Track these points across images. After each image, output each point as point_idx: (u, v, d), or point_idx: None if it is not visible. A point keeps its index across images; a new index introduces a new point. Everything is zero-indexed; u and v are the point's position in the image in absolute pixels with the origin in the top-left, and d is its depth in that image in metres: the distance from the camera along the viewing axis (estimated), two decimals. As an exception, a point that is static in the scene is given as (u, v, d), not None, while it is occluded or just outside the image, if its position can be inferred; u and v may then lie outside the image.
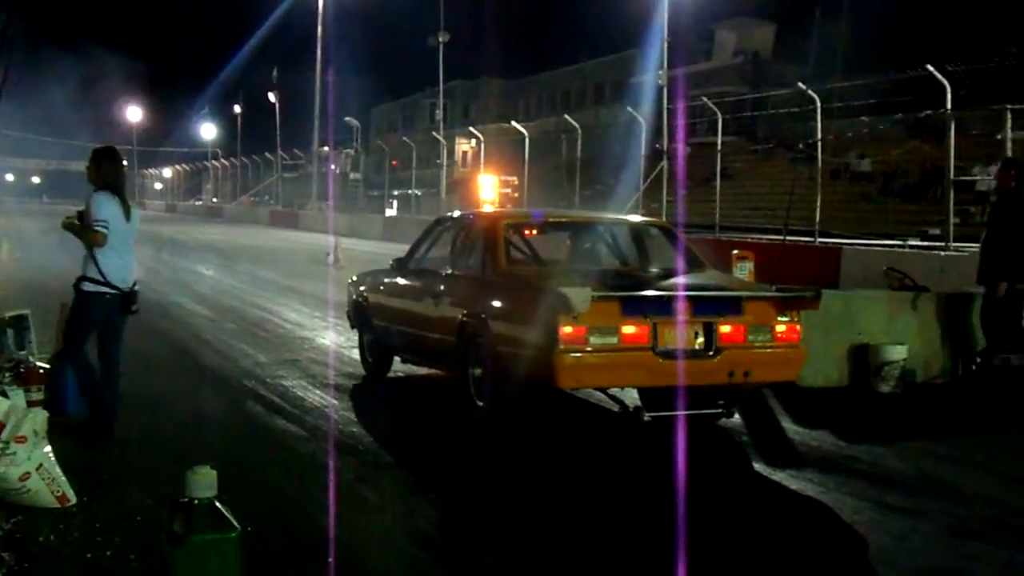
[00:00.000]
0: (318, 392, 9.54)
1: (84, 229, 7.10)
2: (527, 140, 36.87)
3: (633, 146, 33.37)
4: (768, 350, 7.60)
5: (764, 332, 7.60)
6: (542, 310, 7.21)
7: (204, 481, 3.78)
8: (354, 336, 11.30)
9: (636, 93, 41.77)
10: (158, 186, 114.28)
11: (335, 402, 9.12)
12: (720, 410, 7.93)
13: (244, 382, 10.01)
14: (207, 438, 7.50)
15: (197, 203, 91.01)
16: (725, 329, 7.45)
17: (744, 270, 13.45)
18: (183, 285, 20.46)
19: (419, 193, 52.03)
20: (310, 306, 16.91)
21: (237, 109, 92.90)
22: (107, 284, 7.18)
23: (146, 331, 13.33)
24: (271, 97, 74.63)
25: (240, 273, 23.78)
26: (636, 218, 10.31)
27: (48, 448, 5.67)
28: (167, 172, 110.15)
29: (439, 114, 54.74)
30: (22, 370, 6.86)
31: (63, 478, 5.67)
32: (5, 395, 6.13)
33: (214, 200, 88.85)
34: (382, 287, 10.34)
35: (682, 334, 7.30)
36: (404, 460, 7.20)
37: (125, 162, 7.60)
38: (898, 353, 10.18)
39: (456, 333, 8.32)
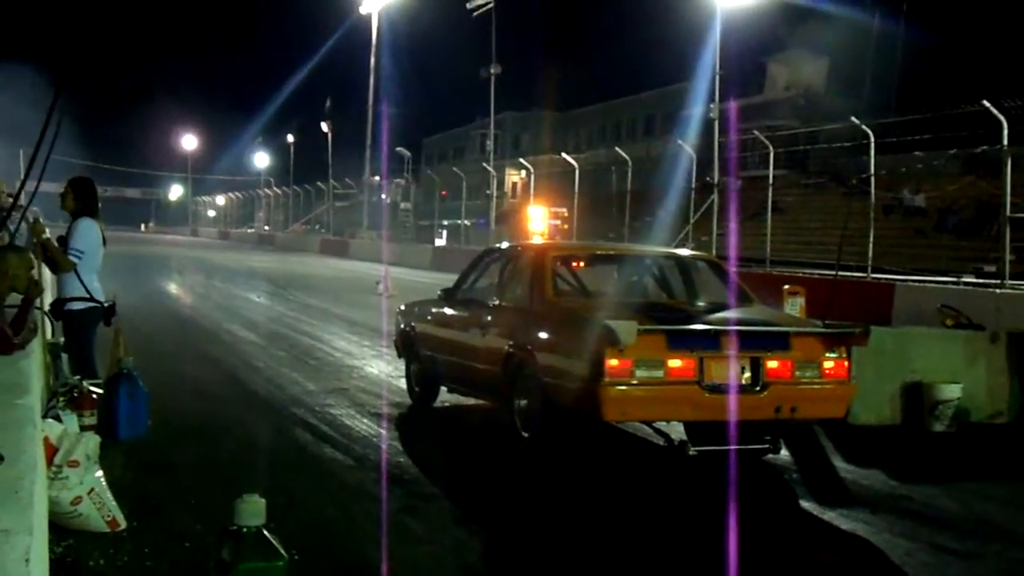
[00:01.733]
0: (366, 421, 9.56)
1: (59, 252, 8.04)
2: (577, 172, 36.80)
3: (683, 179, 33.32)
4: (816, 386, 7.53)
5: (812, 368, 7.54)
6: (588, 342, 7.21)
7: (253, 509, 3.79)
8: (402, 365, 11.33)
9: (686, 126, 41.75)
10: (211, 213, 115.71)
11: (383, 431, 9.14)
12: (766, 446, 7.86)
13: (293, 410, 10.06)
14: (256, 465, 7.54)
15: (249, 231, 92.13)
16: (772, 364, 7.40)
17: (795, 305, 13.34)
18: (234, 312, 20.66)
19: (468, 223, 52.11)
20: (359, 335, 16.98)
21: (290, 138, 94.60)
22: (93, 300, 8.09)
23: (196, 357, 13.49)
24: (324, 127, 75.50)
25: (290, 301, 23.94)
26: (683, 251, 10.38)
27: (100, 473, 5.73)
28: (220, 200, 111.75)
29: (489, 145, 55.28)
30: (75, 395, 6.94)
31: (114, 503, 5.73)
32: (59, 420, 6.21)
33: (266, 228, 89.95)
34: (430, 317, 10.40)
35: (729, 369, 7.24)
36: (451, 491, 7.19)
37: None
38: (952, 392, 10.02)
39: (502, 364, 8.37)
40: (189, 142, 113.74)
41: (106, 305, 8.18)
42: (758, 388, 7.36)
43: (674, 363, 7.16)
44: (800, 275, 23.10)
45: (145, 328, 15.67)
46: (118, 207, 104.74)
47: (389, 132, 61.20)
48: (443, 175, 58.60)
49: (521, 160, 44.65)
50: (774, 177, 29.59)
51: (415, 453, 8.31)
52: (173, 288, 27.77)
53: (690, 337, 7.29)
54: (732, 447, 7.40)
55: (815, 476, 8.11)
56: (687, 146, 33.04)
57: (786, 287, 14.09)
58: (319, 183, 74.23)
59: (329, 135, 75.16)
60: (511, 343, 8.33)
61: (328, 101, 74.63)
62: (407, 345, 10.84)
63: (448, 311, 10.01)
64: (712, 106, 35.28)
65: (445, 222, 59.20)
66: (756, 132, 30.68)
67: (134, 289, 22.22)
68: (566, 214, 39.46)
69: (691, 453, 7.60)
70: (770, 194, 28.75)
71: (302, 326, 18.16)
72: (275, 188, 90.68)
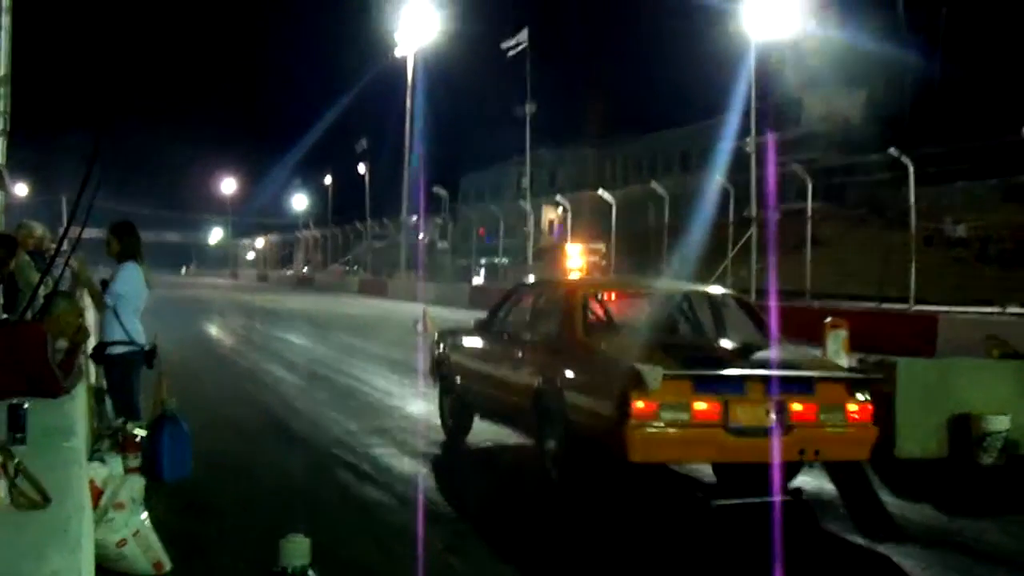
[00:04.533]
0: (407, 460, 9.56)
1: (97, 293, 8.17)
2: (614, 208, 36.87)
3: (720, 213, 33.22)
4: (839, 429, 7.59)
5: (836, 411, 7.60)
6: (616, 384, 7.32)
7: (298, 549, 3.79)
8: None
9: (722, 159, 41.62)
10: (250, 256, 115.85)
11: (423, 470, 9.15)
12: (790, 498, 7.79)
13: (334, 450, 10.07)
14: (299, 506, 7.55)
15: (288, 272, 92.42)
16: (797, 408, 7.45)
17: (838, 339, 13.19)
18: (274, 353, 20.75)
19: (506, 261, 52.21)
20: (399, 373, 17.00)
21: (327, 180, 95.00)
22: (134, 343, 8.07)
23: (238, 398, 13.56)
24: (360, 168, 76.19)
25: (330, 341, 24.03)
26: (712, 288, 10.48)
27: (145, 515, 5.75)
28: (259, 242, 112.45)
29: (525, 183, 55.07)
30: (120, 438, 6.97)
31: (159, 544, 5.74)
32: (103, 462, 6.24)
33: (304, 269, 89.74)
34: (464, 347, 10.56)
35: (753, 412, 7.37)
36: (489, 530, 7.18)
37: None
38: (1001, 424, 9.83)
39: (532, 399, 8.51)
40: (228, 185, 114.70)
41: (147, 348, 8.15)
42: (782, 431, 7.38)
43: (699, 406, 7.27)
44: (842, 308, 22.93)
45: (187, 370, 15.70)
46: (160, 251, 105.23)
47: (426, 171, 61.51)
48: (480, 213, 59.51)
49: (557, 198, 44.92)
50: (813, 210, 29.48)
51: (455, 492, 8.36)
52: (214, 330, 27.86)
53: (716, 382, 7.41)
54: (755, 499, 7.55)
55: (863, 511, 8.00)
56: (724, 180, 32.96)
57: (828, 320, 13.93)
58: (357, 223, 74.20)
59: (366, 176, 75.61)
60: (541, 379, 8.47)
61: (364, 142, 75.19)
62: (441, 374, 10.99)
63: (482, 342, 10.19)
64: (748, 140, 35.29)
65: (483, 260, 59.23)
66: (794, 165, 30.58)
67: (176, 331, 22.15)
68: (603, 250, 39.41)
69: (714, 505, 7.71)
70: (809, 227, 28.63)
71: (342, 366, 18.20)
72: (313, 229, 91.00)
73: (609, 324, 9.52)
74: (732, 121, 42.09)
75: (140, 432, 7.19)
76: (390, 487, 8.34)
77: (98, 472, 5.70)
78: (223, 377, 16.22)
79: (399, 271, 62.15)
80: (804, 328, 13.29)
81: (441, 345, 11.11)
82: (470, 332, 10.54)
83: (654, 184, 36.61)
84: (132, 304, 8.14)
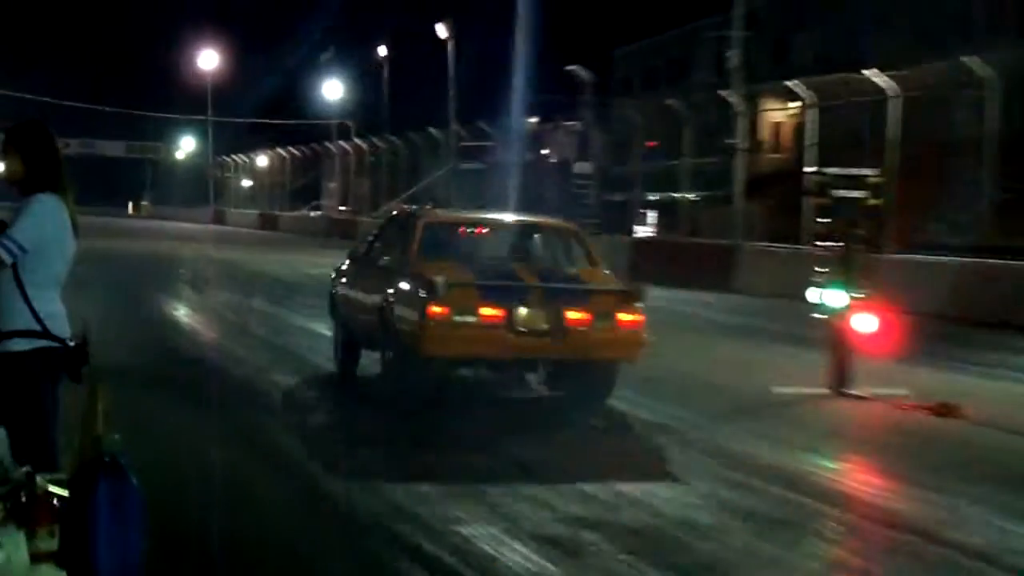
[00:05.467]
0: (520, 547, 6.12)
1: None
2: (895, 101, 22.70)
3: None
4: (610, 334, 9.33)
5: (607, 319, 9.28)
6: (419, 294, 9.11)
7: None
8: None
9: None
10: (245, 184, 73.99)
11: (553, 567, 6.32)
12: (552, 392, 10.10)
13: (397, 526, 6.41)
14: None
15: (313, 213, 59.11)
16: (572, 315, 9.20)
17: None
18: (290, 353, 13.13)
19: (693, 198, 33.92)
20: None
21: (381, 52, 54.38)
22: (48, 335, 4.78)
23: (228, 433, 8.61)
24: (440, 31, 44.78)
25: None
26: (552, 221, 12.02)
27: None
28: (262, 161, 69.46)
29: (733, 58, 29.33)
30: (23, 500, 4.00)
31: None
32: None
33: (341, 208, 55.30)
34: (343, 279, 11.62)
35: (533, 316, 9.21)
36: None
37: (66, 144, 3.79)
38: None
39: (378, 316, 9.93)
40: (208, 60, 65.10)
41: (71, 344, 4.83)
42: (559, 334, 9.14)
43: (486, 311, 9.10)
44: None
45: (140, 382, 10.02)
46: (94, 174, 64.99)
47: (553, 44, 37.82)
48: (649, 113, 35.15)
49: (789, 84, 27.02)
50: None
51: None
52: (184, 313, 17.27)
53: (500, 291, 9.25)
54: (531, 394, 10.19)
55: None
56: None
57: None
58: (432, 129, 45.80)
59: (450, 48, 44.26)
60: (381, 298, 9.92)
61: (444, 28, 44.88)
62: (332, 308, 11.84)
63: (352, 272, 11.48)
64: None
65: (653, 196, 37.41)
66: None
67: (122, 315, 15.19)
68: (878, 177, 27.54)
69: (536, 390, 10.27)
70: None
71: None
72: (356, 141, 55.09)
73: (444, 250, 10.43)
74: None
75: (57, 491, 4.14)
76: None
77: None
78: (202, 395, 9.87)
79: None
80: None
81: (333, 282, 11.96)
82: (348, 265, 11.72)
83: (968, 59, 21.82)
84: (46, 266, 4.81)
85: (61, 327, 4.81)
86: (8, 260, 4.67)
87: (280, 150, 65.91)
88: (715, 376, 12.40)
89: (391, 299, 9.73)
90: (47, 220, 4.79)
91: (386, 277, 10.27)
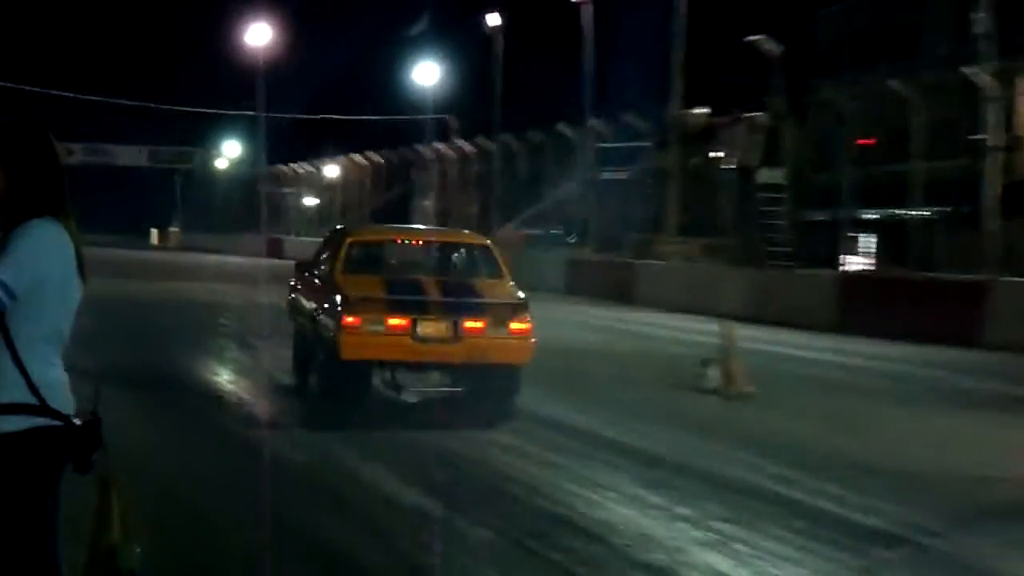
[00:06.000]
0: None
1: None
2: None
3: None
4: (503, 340, 10.64)
5: (501, 327, 10.62)
6: (337, 306, 10.59)
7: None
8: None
9: None
10: (310, 203, 58.17)
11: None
12: (458, 389, 11.16)
13: None
14: None
15: None
16: (470, 324, 10.55)
17: None
18: (373, 436, 10.08)
19: (926, 216, 26.59)
20: (662, 491, 7.85)
21: (491, 21, 39.67)
22: (47, 410, 3.37)
23: (302, 549, 6.30)
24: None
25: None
26: (468, 236, 13.81)
27: None
28: (331, 171, 54.79)
29: (981, 20, 22.56)
30: None
31: None
32: None
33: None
34: (295, 288, 12.93)
35: (434, 326, 10.62)
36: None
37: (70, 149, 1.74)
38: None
39: (312, 323, 11.46)
40: (258, 35, 46.27)
41: (77, 422, 3.40)
42: (457, 341, 10.53)
43: (393, 321, 10.52)
44: None
45: (167, 474, 7.79)
46: (102, 189, 51.19)
47: (728, 4, 30.29)
48: (862, 100, 27.60)
49: None
50: None
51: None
52: (228, 379, 13.07)
53: (405, 305, 10.65)
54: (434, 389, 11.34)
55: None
56: None
57: None
58: (561, 126, 35.24)
59: (585, 16, 33.92)
60: (314, 307, 11.49)
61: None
62: (289, 314, 13.19)
63: (300, 281, 12.79)
64: None
65: (870, 214, 29.02)
66: None
67: (144, 383, 12.07)
68: None
69: (405, 396, 11.21)
70: None
71: (537, 466, 8.66)
72: (458, 142, 43.31)
73: (364, 265, 11.98)
74: None
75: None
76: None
77: None
78: (251, 492, 7.29)
79: (660, 237, 30.60)
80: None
81: (290, 289, 13.29)
82: (298, 273, 13.07)
83: None
84: (43, 317, 3.38)
85: (63, 399, 3.38)
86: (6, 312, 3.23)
87: (356, 156, 50.82)
88: (958, 463, 9.27)
89: (319, 309, 11.29)
90: (43, 255, 3.32)
91: (318, 289, 11.75)
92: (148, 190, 63.67)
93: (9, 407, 3.33)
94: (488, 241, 12.99)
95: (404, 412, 10.98)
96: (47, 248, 3.37)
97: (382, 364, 11.11)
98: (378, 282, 11.35)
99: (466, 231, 15.47)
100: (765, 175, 30.80)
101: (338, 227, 15.10)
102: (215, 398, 11.76)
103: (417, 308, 10.73)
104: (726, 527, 6.83)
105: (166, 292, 26.51)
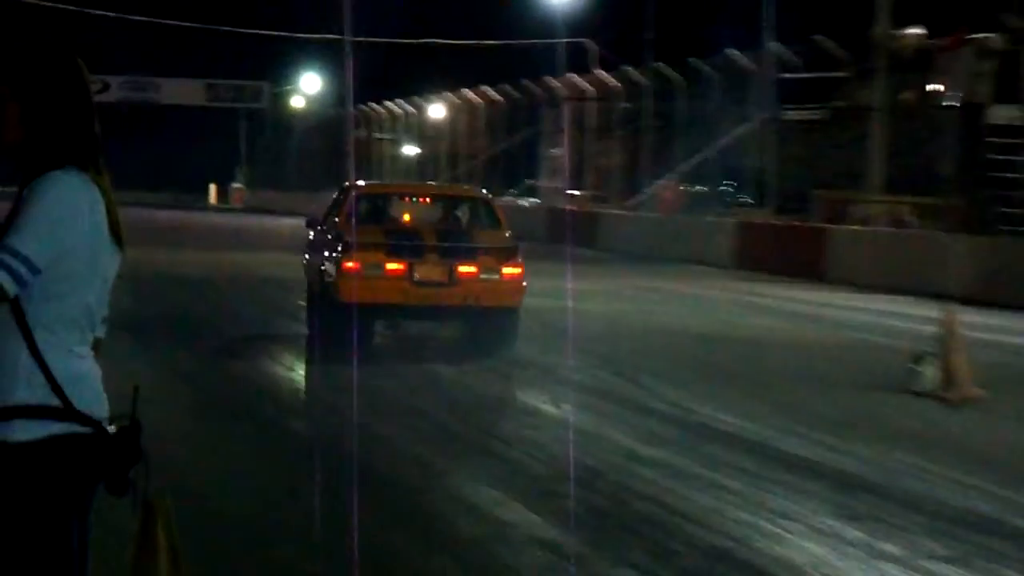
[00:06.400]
0: None
1: None
2: None
3: None
4: (495, 284, 11.44)
5: (493, 272, 11.42)
6: (339, 252, 11.37)
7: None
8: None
9: None
10: (410, 152, 48.48)
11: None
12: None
13: None
14: None
15: (525, 202, 38.64)
16: (464, 269, 11.36)
17: None
18: (496, 454, 8.07)
19: None
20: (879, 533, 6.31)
21: None
22: (70, 412, 2.61)
23: None
24: None
25: (669, 404, 9.80)
26: (469, 190, 15.66)
27: None
28: (436, 111, 45.42)
29: None
30: None
31: None
32: None
33: (573, 193, 35.28)
34: (308, 246, 13.56)
35: (431, 270, 11.44)
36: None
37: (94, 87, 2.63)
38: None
39: (319, 275, 12.03)
40: None
41: (111, 429, 2.64)
42: (452, 284, 11.36)
43: (391, 265, 11.31)
44: None
45: (230, 495, 6.56)
46: (145, 134, 44.00)
47: None
48: None
49: None
50: None
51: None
52: (303, 374, 11.41)
53: (402, 250, 11.44)
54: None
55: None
56: None
57: None
58: (731, 53, 29.47)
59: None
60: (321, 258, 12.02)
61: None
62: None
63: (310, 239, 13.46)
64: None
65: None
66: None
67: (199, 379, 10.67)
68: None
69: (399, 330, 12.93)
70: None
71: (699, 490, 7.03)
72: (598, 73, 35.49)
73: (369, 217, 12.62)
74: None
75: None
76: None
77: None
78: (334, 510, 5.82)
79: (859, 194, 25.42)
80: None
81: (305, 248, 13.86)
82: (312, 233, 13.52)
83: None
84: (68, 296, 2.61)
85: (94, 399, 2.68)
86: (11, 290, 2.52)
87: (468, 93, 41.55)
88: None
89: (323, 259, 11.91)
90: (67, 217, 2.60)
91: (324, 242, 12.35)
92: (205, 135, 51.79)
93: (24, 409, 2.64)
94: (488, 195, 14.29)
95: (530, 419, 9.09)
96: (71, 208, 2.67)
97: (383, 310, 11.79)
98: (379, 231, 12.08)
99: (466, 186, 18.12)
100: (999, 113, 24.53)
101: (346, 184, 15.39)
102: (289, 403, 10.14)
103: (415, 253, 11.52)
104: (945, 569, 5.67)
105: (226, 265, 21.97)
